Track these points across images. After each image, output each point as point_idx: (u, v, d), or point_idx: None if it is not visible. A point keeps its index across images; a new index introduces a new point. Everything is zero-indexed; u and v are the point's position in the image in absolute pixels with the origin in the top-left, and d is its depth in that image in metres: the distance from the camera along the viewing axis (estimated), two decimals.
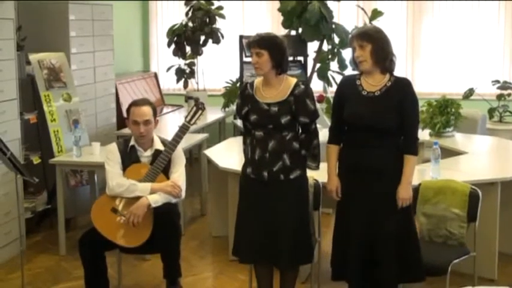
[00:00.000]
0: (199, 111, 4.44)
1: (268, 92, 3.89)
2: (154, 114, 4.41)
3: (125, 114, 7.25)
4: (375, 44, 3.73)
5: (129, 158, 4.35)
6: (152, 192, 4.22)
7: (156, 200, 4.20)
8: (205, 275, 5.03)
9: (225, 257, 5.19)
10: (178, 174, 4.35)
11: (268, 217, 3.85)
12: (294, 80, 3.91)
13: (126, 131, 6.46)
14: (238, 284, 4.78)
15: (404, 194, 3.77)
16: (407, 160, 3.78)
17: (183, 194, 4.35)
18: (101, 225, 4.20)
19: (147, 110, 4.36)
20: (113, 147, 4.42)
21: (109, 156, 4.37)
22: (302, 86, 3.87)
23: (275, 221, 3.85)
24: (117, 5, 7.33)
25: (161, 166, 4.28)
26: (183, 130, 4.37)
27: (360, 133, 3.79)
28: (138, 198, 4.20)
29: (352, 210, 3.85)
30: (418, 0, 8.35)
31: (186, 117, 4.44)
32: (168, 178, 4.32)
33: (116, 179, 4.26)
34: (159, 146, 4.38)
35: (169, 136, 4.44)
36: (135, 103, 4.43)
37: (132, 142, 4.39)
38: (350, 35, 3.92)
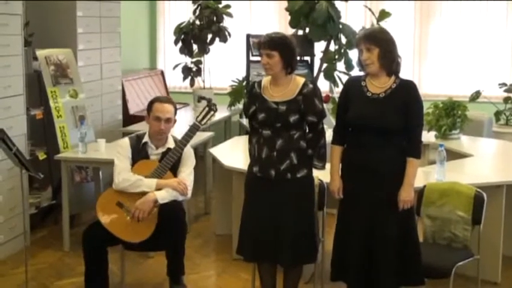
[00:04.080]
0: (211, 112, 4.45)
1: (276, 91, 3.89)
2: (175, 113, 4.41)
3: (130, 111, 7.39)
4: (382, 48, 3.71)
5: (139, 154, 4.35)
6: (158, 188, 4.21)
7: (163, 196, 4.20)
8: (209, 274, 5.03)
9: (228, 256, 5.19)
10: (187, 174, 4.34)
11: (274, 215, 3.86)
12: (302, 80, 3.92)
13: (131, 128, 6.48)
14: (241, 283, 4.78)
15: (405, 196, 3.75)
16: (410, 163, 3.76)
17: (190, 193, 4.35)
18: (106, 219, 4.20)
19: (170, 108, 4.36)
20: (125, 142, 4.42)
21: (119, 150, 4.37)
22: (310, 86, 3.88)
23: (280, 220, 3.85)
24: (124, 2, 7.33)
25: (169, 164, 4.28)
26: (194, 130, 4.37)
27: (364, 134, 3.78)
28: (144, 193, 4.20)
29: (354, 211, 3.84)
30: (426, 0, 8.32)
31: (197, 117, 4.44)
32: (176, 177, 4.31)
33: (123, 174, 4.26)
34: (171, 144, 4.38)
35: (174, 134, 4.43)
36: (159, 99, 4.43)
37: (145, 139, 4.38)
38: (357, 37, 3.91)
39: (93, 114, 6.45)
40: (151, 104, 4.40)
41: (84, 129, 5.48)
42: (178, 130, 4.40)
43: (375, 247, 3.79)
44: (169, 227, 4.18)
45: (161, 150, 4.37)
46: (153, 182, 4.23)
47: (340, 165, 3.92)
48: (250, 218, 3.94)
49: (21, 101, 5.42)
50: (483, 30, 8.18)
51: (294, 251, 3.87)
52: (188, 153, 4.38)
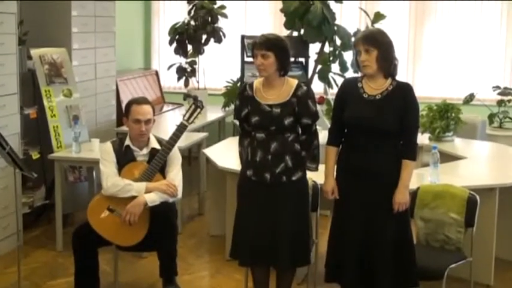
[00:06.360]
0: (198, 110, 4.42)
1: (269, 93, 3.86)
2: (153, 112, 4.40)
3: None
4: (381, 50, 3.71)
5: (124, 158, 4.31)
6: (147, 191, 4.19)
7: (153, 199, 4.18)
8: (202, 274, 5.03)
9: (222, 256, 5.19)
10: (175, 174, 4.32)
11: (269, 218, 3.83)
12: (295, 81, 3.90)
13: (125, 128, 6.44)
14: (234, 284, 4.78)
15: (400, 198, 3.75)
16: (406, 165, 3.76)
17: (180, 193, 4.33)
18: (97, 224, 4.18)
19: (148, 108, 4.34)
20: (108, 147, 4.38)
21: (104, 156, 4.35)
22: (304, 88, 3.86)
23: (276, 223, 3.83)
24: (119, 2, 7.32)
25: (158, 165, 4.26)
26: (181, 129, 4.34)
27: (360, 136, 3.78)
28: (134, 197, 4.18)
29: (349, 212, 3.84)
30: (420, 0, 8.32)
31: (184, 115, 4.41)
32: (164, 177, 4.30)
33: (111, 179, 4.23)
34: (155, 144, 4.36)
35: (168, 135, 4.42)
36: (137, 101, 4.39)
37: (127, 142, 4.35)
38: (356, 37, 3.88)
39: (87, 113, 6.44)
40: (128, 106, 4.36)
41: (78, 129, 5.47)
42: (171, 130, 4.38)
43: (372, 249, 3.79)
44: (160, 230, 4.17)
45: (146, 151, 4.35)
46: (143, 186, 4.21)
47: (335, 166, 3.92)
48: (245, 222, 3.90)
49: (15, 100, 5.40)
50: (478, 32, 8.20)
51: (291, 254, 3.85)
52: (174, 152, 4.35)
